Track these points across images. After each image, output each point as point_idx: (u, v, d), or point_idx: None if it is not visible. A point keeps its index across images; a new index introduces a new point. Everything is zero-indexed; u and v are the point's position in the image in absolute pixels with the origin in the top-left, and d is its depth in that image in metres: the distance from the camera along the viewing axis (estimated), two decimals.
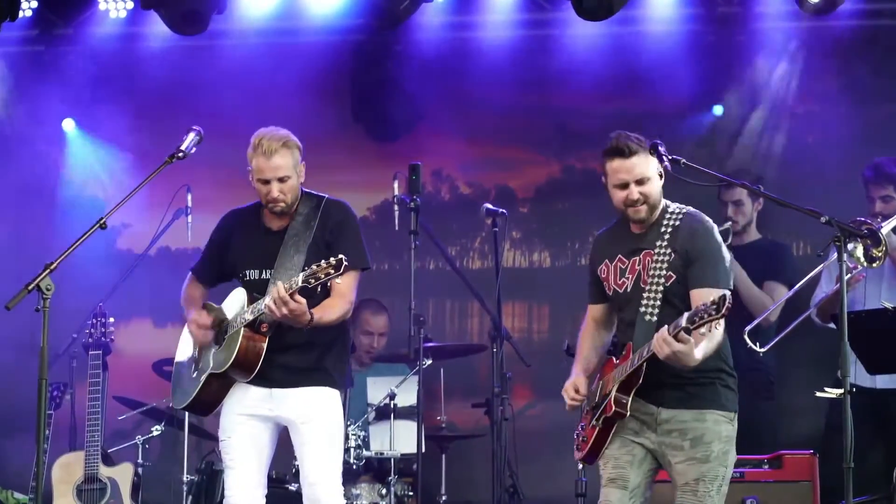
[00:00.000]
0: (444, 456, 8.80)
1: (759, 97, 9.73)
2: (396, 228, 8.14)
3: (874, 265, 6.92)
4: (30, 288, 5.77)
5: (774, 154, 9.66)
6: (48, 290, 5.78)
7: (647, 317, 5.94)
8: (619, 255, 6.13)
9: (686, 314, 5.62)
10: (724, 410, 5.96)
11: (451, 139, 10.09)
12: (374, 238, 9.66)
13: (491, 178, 10.21)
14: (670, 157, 5.93)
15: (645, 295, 5.97)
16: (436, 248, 8.78)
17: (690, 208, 6.14)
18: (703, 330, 5.61)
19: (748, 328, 7.34)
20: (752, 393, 8.12)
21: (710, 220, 6.13)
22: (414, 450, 8.04)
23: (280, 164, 6.56)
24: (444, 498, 8.65)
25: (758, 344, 7.41)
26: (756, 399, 8.47)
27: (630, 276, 6.07)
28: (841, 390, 5.81)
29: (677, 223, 6.03)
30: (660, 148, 5.96)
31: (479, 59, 9.84)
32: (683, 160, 5.98)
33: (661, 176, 6.04)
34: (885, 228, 6.99)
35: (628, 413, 5.91)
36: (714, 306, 5.51)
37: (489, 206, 8.12)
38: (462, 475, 9.16)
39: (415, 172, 7.83)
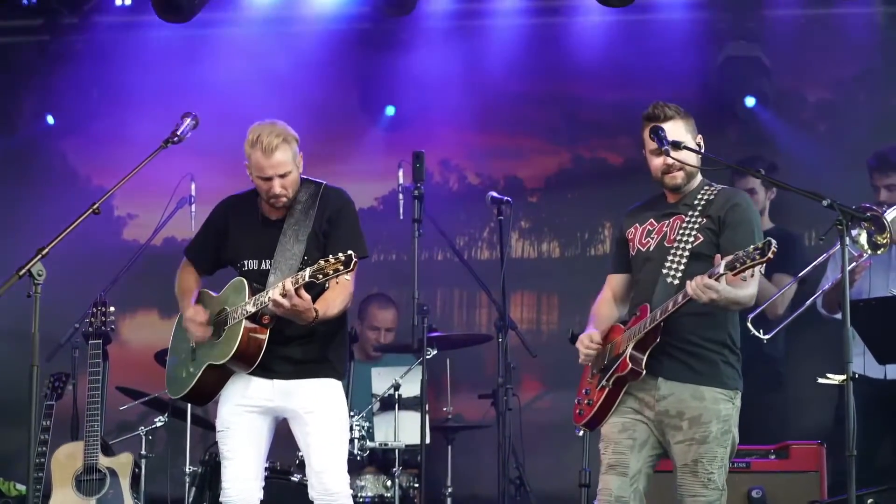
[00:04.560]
0: (449, 447, 8.71)
1: (772, 84, 9.59)
2: (401, 217, 8.08)
3: (878, 252, 6.83)
4: (21, 273, 5.72)
5: (786, 142, 9.53)
6: (39, 275, 5.72)
7: (669, 279, 5.84)
8: (651, 219, 6.06)
9: (723, 261, 5.49)
10: (724, 388, 5.85)
11: (459, 128, 10.03)
12: (382, 228, 9.65)
13: (500, 168, 10.12)
14: (670, 141, 5.86)
15: (669, 256, 5.87)
16: (444, 238, 8.70)
17: (728, 186, 6.07)
18: (745, 275, 5.50)
19: (752, 315, 7.21)
20: (761, 384, 8.04)
21: (748, 196, 6.07)
22: (418, 441, 7.95)
23: (281, 160, 6.44)
24: (449, 490, 8.54)
25: (761, 331, 7.29)
26: (764, 390, 8.39)
27: (656, 237, 5.99)
28: (843, 377, 5.70)
29: (713, 196, 5.95)
30: (660, 133, 5.87)
31: (487, 47, 9.77)
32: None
33: (700, 146, 5.97)
34: (890, 214, 6.89)
35: (644, 371, 5.79)
36: (758, 251, 5.39)
37: (494, 194, 8.03)
38: (468, 467, 9.06)
39: (419, 160, 7.73)
